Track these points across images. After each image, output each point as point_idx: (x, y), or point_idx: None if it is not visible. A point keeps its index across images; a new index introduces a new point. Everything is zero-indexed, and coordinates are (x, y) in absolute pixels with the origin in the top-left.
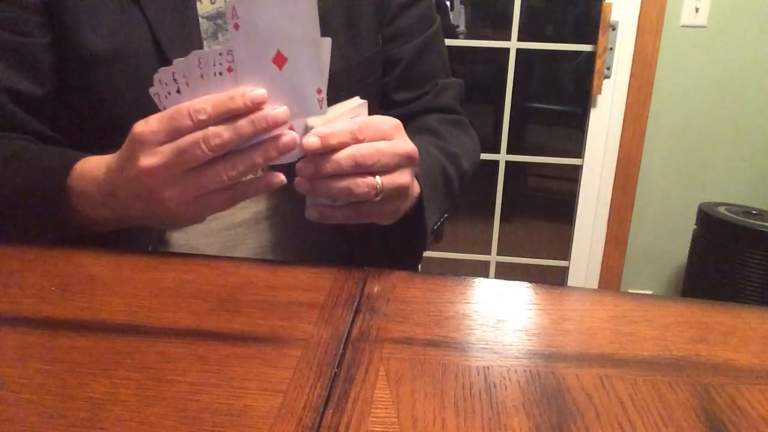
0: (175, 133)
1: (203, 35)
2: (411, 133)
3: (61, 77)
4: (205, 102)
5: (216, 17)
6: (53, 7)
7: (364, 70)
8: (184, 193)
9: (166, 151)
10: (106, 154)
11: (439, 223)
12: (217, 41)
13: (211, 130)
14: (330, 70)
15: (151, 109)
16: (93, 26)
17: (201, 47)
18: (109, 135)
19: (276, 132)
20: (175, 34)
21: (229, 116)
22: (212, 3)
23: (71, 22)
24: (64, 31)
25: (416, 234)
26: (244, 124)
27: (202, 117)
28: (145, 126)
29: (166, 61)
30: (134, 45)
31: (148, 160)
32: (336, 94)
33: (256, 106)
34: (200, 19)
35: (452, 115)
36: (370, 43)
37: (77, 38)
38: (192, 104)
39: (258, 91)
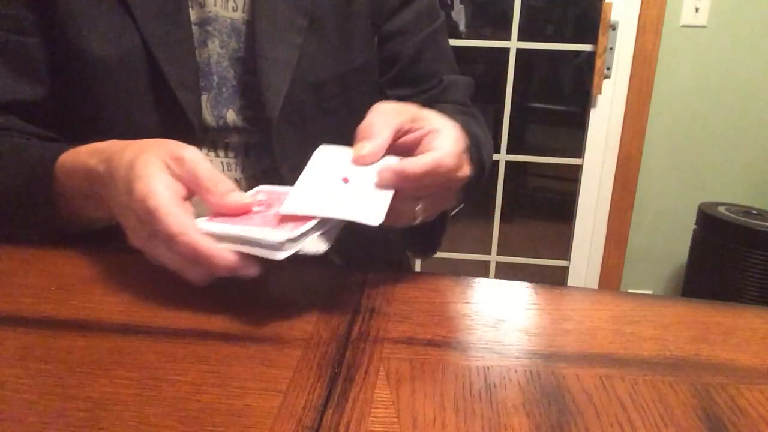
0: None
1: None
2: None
3: (59, 79)
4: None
5: (205, 23)
6: (49, 8)
7: (358, 77)
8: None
9: None
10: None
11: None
12: (207, 49)
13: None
14: (321, 77)
15: (144, 114)
16: (89, 30)
17: (193, 54)
18: (106, 138)
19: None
20: (165, 39)
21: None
22: (201, 6)
23: (69, 24)
24: (63, 33)
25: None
26: None
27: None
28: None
29: (156, 68)
30: (126, 50)
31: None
32: (328, 102)
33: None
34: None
35: (464, 107)
36: (364, 49)
37: (77, 42)
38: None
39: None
